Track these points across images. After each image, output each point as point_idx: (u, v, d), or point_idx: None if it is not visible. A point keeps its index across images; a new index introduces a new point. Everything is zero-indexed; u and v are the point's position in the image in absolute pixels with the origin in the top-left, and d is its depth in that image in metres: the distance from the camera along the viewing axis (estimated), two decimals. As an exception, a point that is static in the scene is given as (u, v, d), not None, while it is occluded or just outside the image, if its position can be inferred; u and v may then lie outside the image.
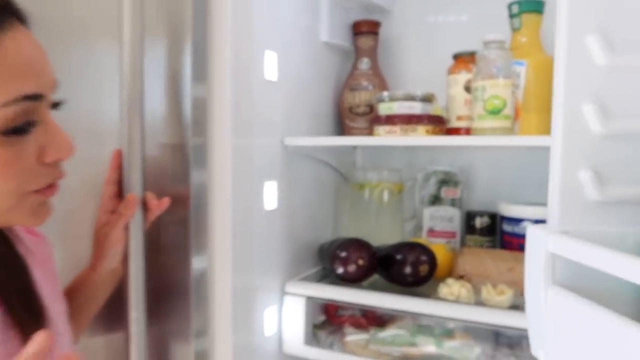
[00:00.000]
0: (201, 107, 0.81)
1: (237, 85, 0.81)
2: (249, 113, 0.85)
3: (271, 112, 0.91)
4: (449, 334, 0.86)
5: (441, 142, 0.84)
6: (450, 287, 0.83)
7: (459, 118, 0.95)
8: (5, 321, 0.48)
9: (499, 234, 1.00)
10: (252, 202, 0.86)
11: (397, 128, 0.89)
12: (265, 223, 0.89)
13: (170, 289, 0.84)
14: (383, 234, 1.07)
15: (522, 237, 0.94)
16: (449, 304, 0.81)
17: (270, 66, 0.89)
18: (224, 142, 0.81)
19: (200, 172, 0.81)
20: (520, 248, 0.94)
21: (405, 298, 0.84)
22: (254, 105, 0.86)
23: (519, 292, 0.81)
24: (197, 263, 0.82)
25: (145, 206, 0.74)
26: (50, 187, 0.52)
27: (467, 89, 0.94)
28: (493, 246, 1.03)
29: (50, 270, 0.66)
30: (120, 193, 0.71)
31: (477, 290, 0.83)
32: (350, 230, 1.13)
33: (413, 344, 0.84)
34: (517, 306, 0.80)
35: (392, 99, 0.91)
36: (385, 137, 0.89)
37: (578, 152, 0.50)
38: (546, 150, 1.07)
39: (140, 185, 0.74)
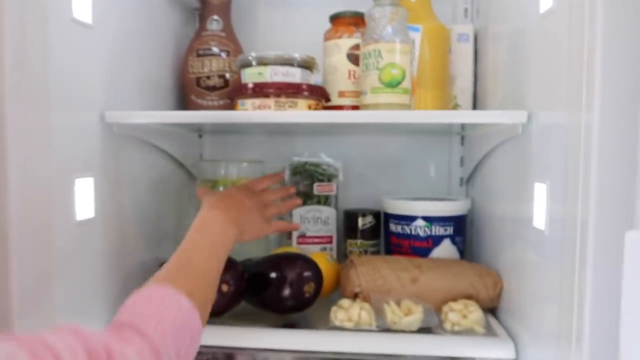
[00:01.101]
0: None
1: (21, 25, 0.49)
2: (44, 72, 0.53)
3: (84, 73, 0.60)
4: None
5: (350, 119, 0.63)
6: (348, 311, 0.64)
7: (342, 94, 0.76)
8: None
9: (385, 236, 0.84)
10: (53, 209, 0.54)
11: (270, 101, 0.66)
12: (75, 239, 0.58)
13: None
14: (243, 245, 0.83)
15: (414, 238, 0.79)
16: (350, 334, 0.61)
17: (82, 1, 0.58)
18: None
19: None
20: (413, 251, 0.79)
21: (293, 333, 0.62)
22: (55, 60, 0.54)
23: (430, 309, 0.65)
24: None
25: None
26: None
27: (351, 57, 0.75)
28: (378, 251, 0.87)
29: None
30: None
31: (378, 311, 0.65)
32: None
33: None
34: (427, 328, 0.63)
35: (263, 62, 0.68)
36: (256, 113, 0.65)
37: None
38: (438, 134, 0.97)
39: None
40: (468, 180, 0.92)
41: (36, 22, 0.52)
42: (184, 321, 0.44)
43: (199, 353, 0.69)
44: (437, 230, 0.78)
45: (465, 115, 0.60)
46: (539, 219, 0.54)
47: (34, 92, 0.52)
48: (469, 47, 0.83)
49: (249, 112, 0.65)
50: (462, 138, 0.94)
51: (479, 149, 0.81)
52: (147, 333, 0.41)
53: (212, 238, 0.56)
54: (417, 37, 0.74)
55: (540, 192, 0.54)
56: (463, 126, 0.85)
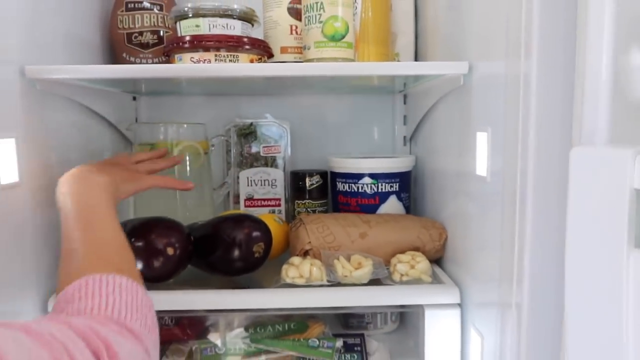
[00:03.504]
0: None
1: None
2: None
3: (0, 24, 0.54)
4: (300, 328, 0.66)
5: (296, 72, 0.60)
6: (298, 268, 0.63)
7: (284, 50, 0.74)
8: None
9: (333, 195, 0.84)
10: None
11: (210, 55, 0.63)
12: (0, 205, 0.53)
13: None
14: (187, 211, 0.80)
15: (362, 195, 0.79)
16: (301, 290, 0.61)
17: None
18: None
19: None
20: (361, 209, 0.79)
21: (245, 292, 0.61)
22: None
23: (379, 262, 0.66)
24: None
25: None
26: None
27: (292, 11, 0.73)
28: (326, 210, 0.87)
29: None
30: None
31: (328, 267, 0.65)
32: (140, 209, 0.83)
33: (256, 352, 0.61)
34: (377, 280, 0.64)
35: (199, 13, 0.64)
36: (196, 66, 0.62)
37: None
38: (381, 94, 0.96)
39: None
40: (411, 139, 0.93)
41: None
42: (136, 299, 0.41)
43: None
44: (384, 187, 0.79)
45: (407, 67, 0.60)
46: (481, 167, 0.55)
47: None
48: (409, 4, 0.82)
49: (188, 65, 0.61)
50: (405, 97, 0.94)
51: (421, 105, 0.81)
52: (125, 323, 0.38)
53: (86, 199, 0.48)
54: (359, -9, 0.73)
55: (481, 140, 0.55)
56: (405, 84, 0.86)
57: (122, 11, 0.77)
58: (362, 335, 0.69)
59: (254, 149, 0.86)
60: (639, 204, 0.24)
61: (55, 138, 0.65)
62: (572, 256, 0.31)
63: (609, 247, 0.26)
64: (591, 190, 0.27)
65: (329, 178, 0.85)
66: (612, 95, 0.30)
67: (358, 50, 0.73)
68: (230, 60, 0.63)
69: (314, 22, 0.66)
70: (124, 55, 0.78)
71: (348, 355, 0.64)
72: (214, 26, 0.63)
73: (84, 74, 0.60)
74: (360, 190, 0.79)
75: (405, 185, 0.82)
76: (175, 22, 0.66)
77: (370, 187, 0.79)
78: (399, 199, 0.81)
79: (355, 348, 0.66)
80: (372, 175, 0.79)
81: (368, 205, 0.79)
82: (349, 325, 0.75)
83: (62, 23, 0.68)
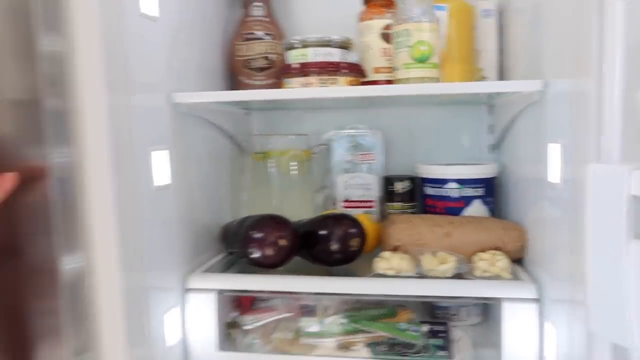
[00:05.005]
0: (56, 61, 0.58)
1: (105, 23, 0.59)
2: (124, 61, 0.63)
3: (153, 61, 0.70)
4: (390, 314, 0.76)
5: (385, 93, 0.71)
6: (389, 261, 0.73)
7: (377, 70, 0.84)
8: None
9: (421, 199, 0.92)
10: (138, 177, 0.65)
11: (313, 79, 0.75)
12: (156, 203, 0.69)
13: (26, 309, 0.61)
14: (293, 210, 0.93)
15: (447, 199, 0.87)
16: (392, 280, 0.71)
17: (149, -3, 0.68)
18: (94, 102, 0.59)
19: (63, 142, 0.58)
20: (446, 211, 0.87)
21: (344, 279, 0.72)
22: (130, 51, 0.64)
23: (462, 259, 0.73)
24: (69, 264, 0.60)
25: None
26: None
27: (384, 36, 0.83)
28: (415, 212, 0.95)
29: None
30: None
31: (415, 261, 0.74)
32: (253, 208, 0.97)
33: (353, 331, 0.72)
34: (459, 274, 0.72)
35: (306, 44, 0.76)
36: (306, 89, 0.74)
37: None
38: (467, 105, 1.03)
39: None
40: (497, 146, 0.98)
41: (115, 19, 0.62)
42: None
43: (260, 299, 0.80)
44: (469, 191, 0.86)
45: (486, 86, 0.68)
46: (554, 176, 0.61)
47: (118, 79, 0.62)
48: (492, 22, 0.88)
49: (299, 89, 0.74)
50: (490, 107, 1.00)
51: (505, 116, 0.87)
52: None
53: None
54: (443, 15, 0.81)
55: (554, 151, 0.61)
56: (490, 96, 0.92)
57: (240, 41, 0.92)
58: (446, 323, 0.77)
59: (350, 157, 0.97)
60: (636, 206, 0.31)
61: (193, 149, 0.81)
62: (591, 248, 0.38)
63: (616, 239, 0.33)
64: (602, 196, 0.34)
65: (418, 183, 0.94)
66: (624, 122, 0.36)
67: (444, 68, 0.81)
68: (330, 83, 0.74)
69: (402, 46, 0.75)
70: (241, 78, 0.93)
71: (433, 340, 0.73)
72: (317, 54, 0.75)
73: (220, 98, 0.75)
74: (446, 194, 0.87)
75: (490, 190, 0.88)
76: (285, 51, 0.79)
77: (456, 191, 0.86)
78: (484, 202, 0.87)
79: (440, 334, 0.74)
80: (457, 181, 0.86)
81: (454, 208, 0.87)
82: (435, 316, 0.83)
83: (194, 53, 0.84)
